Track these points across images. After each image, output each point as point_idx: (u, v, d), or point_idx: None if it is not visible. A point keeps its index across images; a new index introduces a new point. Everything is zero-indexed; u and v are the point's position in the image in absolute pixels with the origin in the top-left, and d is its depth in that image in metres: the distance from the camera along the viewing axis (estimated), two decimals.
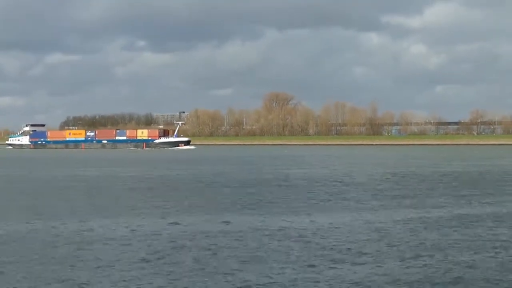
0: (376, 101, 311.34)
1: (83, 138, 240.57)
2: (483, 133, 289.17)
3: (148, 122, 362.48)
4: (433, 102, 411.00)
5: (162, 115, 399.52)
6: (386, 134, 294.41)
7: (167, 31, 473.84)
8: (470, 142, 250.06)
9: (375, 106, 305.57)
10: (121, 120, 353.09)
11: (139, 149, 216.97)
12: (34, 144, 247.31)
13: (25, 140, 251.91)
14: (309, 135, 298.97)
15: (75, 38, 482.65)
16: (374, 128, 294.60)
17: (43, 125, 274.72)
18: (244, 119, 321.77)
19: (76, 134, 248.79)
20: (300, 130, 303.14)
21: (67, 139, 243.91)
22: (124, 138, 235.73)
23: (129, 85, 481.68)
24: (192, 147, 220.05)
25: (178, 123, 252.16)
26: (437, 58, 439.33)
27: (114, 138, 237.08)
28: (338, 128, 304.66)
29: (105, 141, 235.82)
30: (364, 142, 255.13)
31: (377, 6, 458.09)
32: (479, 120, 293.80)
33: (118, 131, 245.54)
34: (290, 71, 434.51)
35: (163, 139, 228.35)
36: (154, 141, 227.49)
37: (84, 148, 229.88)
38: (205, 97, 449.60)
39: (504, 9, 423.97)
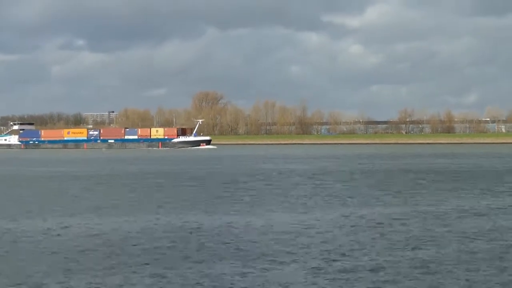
0: (306, 101, 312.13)
1: (85, 138, 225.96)
2: (412, 132, 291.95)
3: (77, 121, 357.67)
4: (367, 102, 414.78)
5: (91, 114, 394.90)
6: (316, 133, 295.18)
7: (107, 30, 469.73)
8: (399, 141, 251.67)
9: (305, 105, 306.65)
10: (49, 120, 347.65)
11: (154, 148, 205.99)
12: (25, 144, 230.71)
13: (14, 139, 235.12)
14: (239, 134, 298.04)
15: (11, 37, 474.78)
16: (304, 127, 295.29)
17: (32, 124, 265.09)
18: (174, 119, 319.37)
19: (76, 133, 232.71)
20: (230, 129, 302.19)
21: (66, 138, 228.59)
22: (135, 137, 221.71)
23: (64, 84, 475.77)
24: (214, 146, 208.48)
25: (198, 121, 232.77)
26: (374, 58, 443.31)
27: (122, 137, 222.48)
28: (268, 127, 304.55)
29: (112, 141, 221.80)
30: (294, 141, 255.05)
31: (319, 5, 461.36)
32: (407, 119, 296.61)
33: (127, 129, 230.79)
34: (227, 70, 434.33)
35: (182, 138, 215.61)
36: (172, 141, 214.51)
37: (86, 148, 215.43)
38: (140, 96, 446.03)
39: (441, 8, 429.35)
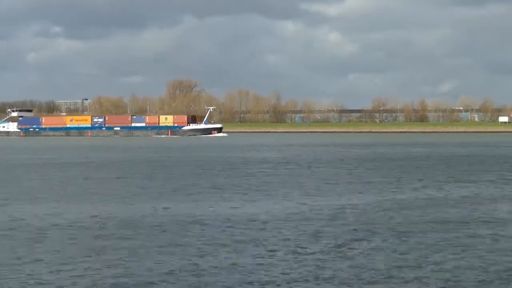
0: (279, 89, 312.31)
1: (89, 125, 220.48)
2: (385, 121, 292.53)
3: (50, 109, 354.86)
4: (342, 91, 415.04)
5: (64, 102, 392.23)
6: (290, 121, 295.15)
7: (84, 18, 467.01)
8: (373, 130, 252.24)
9: (278, 94, 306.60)
10: (22, 107, 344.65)
11: (163, 136, 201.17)
12: (25, 132, 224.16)
13: (12, 127, 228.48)
14: (213, 122, 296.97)
15: None
16: (278, 115, 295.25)
17: (30, 111, 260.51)
18: (148, 107, 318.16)
19: (79, 121, 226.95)
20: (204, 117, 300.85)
21: (68, 125, 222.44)
22: (143, 124, 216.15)
23: (39, 71, 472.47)
24: (225, 134, 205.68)
25: (209, 108, 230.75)
26: (351, 46, 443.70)
27: (129, 125, 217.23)
28: (242, 115, 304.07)
29: (118, 128, 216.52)
30: (268, 130, 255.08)
31: None
32: (381, 108, 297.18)
33: (134, 117, 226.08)
34: (203, 58, 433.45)
35: (193, 126, 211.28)
36: (183, 128, 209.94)
37: (90, 136, 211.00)
38: (115, 84, 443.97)
39: None
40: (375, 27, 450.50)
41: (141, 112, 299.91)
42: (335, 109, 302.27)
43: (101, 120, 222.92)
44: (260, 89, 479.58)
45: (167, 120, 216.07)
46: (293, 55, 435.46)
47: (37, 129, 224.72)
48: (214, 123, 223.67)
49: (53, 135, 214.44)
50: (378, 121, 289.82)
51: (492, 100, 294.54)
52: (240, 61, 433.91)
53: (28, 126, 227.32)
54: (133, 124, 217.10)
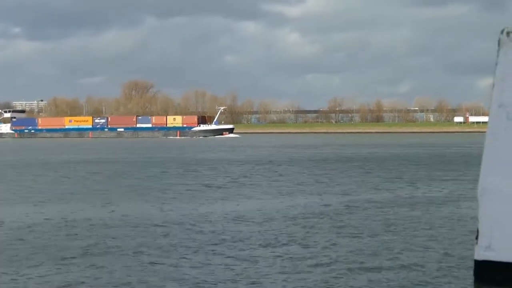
0: (236, 90, 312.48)
1: (90, 126, 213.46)
2: (341, 121, 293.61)
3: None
4: (300, 91, 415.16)
5: (20, 103, 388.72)
6: (246, 122, 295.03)
7: (45, 19, 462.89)
8: (329, 130, 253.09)
9: (235, 94, 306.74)
10: None
11: (171, 137, 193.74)
12: (20, 133, 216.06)
13: (5, 128, 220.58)
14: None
15: None
16: (234, 116, 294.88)
17: (23, 111, 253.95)
18: (104, 108, 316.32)
19: (79, 121, 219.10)
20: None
21: (67, 127, 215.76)
22: (149, 125, 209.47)
23: None
24: (237, 135, 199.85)
25: (220, 109, 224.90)
26: (310, 47, 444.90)
27: (134, 126, 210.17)
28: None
29: (121, 129, 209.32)
30: None
31: None
32: (337, 109, 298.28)
33: (139, 117, 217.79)
34: (163, 59, 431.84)
35: (203, 127, 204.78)
36: (193, 129, 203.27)
37: (92, 137, 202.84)
38: (74, 85, 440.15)
39: None
40: (335, 28, 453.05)
41: (96, 113, 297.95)
42: (291, 110, 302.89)
43: (103, 121, 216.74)
44: (218, 89, 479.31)
45: (175, 120, 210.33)
46: (253, 56, 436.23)
47: (32, 131, 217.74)
48: (224, 123, 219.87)
49: (51, 137, 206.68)
50: (334, 122, 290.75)
51: (447, 101, 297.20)
52: (199, 62, 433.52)
53: (23, 128, 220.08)
54: (138, 125, 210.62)
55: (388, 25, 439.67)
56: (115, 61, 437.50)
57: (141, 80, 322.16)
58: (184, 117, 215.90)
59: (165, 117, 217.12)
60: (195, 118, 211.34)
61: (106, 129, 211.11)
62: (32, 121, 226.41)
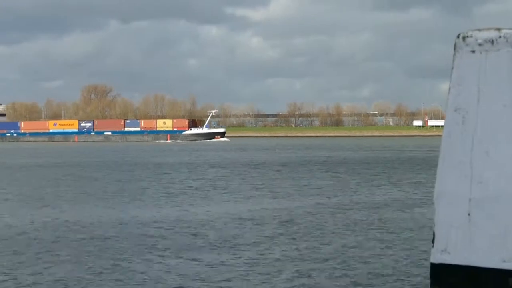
0: (195, 94, 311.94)
1: (76, 130, 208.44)
2: (301, 125, 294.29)
3: None
4: (261, 95, 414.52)
5: None
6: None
7: (7, 23, 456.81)
8: (288, 134, 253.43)
9: (194, 98, 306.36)
10: None
11: (162, 141, 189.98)
12: (1, 137, 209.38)
13: None
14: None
15: None
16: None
17: (4, 115, 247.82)
18: (63, 112, 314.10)
19: (64, 125, 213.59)
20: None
21: (52, 130, 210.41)
22: (137, 129, 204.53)
23: None
24: (228, 139, 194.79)
25: (211, 112, 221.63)
26: (273, 51, 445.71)
27: (122, 129, 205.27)
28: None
29: (109, 133, 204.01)
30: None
31: None
32: (297, 113, 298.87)
33: (128, 121, 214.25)
34: (125, 63, 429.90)
35: (194, 130, 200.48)
36: (184, 133, 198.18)
37: (77, 141, 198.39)
38: (34, 89, 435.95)
39: (344, 3, 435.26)
40: (297, 32, 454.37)
41: (55, 117, 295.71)
42: (251, 114, 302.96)
43: (89, 124, 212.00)
44: (179, 93, 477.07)
45: (165, 124, 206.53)
46: (214, 59, 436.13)
47: (15, 135, 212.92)
48: (215, 127, 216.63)
49: (34, 141, 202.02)
50: (293, 126, 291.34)
51: (406, 105, 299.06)
52: (160, 66, 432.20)
53: (5, 131, 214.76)
54: (126, 129, 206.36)
55: (350, 30, 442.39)
56: (76, 65, 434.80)
57: (101, 84, 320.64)
58: (175, 120, 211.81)
59: (154, 121, 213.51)
60: (186, 122, 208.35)
61: (93, 133, 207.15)
62: (14, 125, 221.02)
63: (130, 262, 18.61)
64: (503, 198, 2.73)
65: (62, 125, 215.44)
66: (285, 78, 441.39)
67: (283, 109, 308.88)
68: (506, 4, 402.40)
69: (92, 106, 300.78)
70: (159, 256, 19.43)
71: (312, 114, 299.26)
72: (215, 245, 21.05)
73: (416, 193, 37.08)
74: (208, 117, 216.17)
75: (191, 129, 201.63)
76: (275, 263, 18.45)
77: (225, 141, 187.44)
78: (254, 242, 21.70)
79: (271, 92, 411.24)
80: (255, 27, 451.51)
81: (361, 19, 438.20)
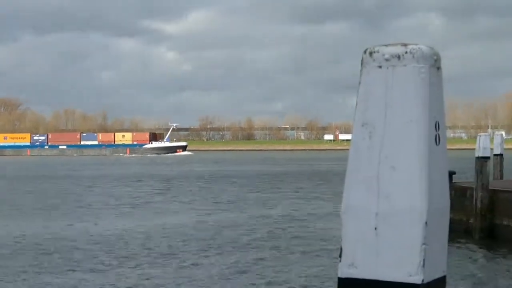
0: (106, 108, 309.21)
1: (28, 143, 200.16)
2: (213, 139, 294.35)
3: None
4: (174, 109, 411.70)
5: None
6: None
7: None
8: (200, 148, 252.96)
9: (105, 113, 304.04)
10: None
11: (121, 155, 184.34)
12: None
13: None
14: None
15: None
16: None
17: None
18: None
19: (15, 139, 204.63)
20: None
21: (2, 144, 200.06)
22: (95, 142, 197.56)
23: None
24: (191, 153, 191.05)
25: (172, 125, 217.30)
26: (187, 65, 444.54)
27: (78, 143, 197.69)
28: None
29: (64, 147, 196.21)
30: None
31: (138, 11, 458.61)
32: (208, 126, 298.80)
33: (84, 134, 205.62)
34: (36, 76, 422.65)
35: (156, 144, 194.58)
36: (144, 146, 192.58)
37: (30, 155, 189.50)
38: None
39: (259, 16, 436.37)
40: (212, 45, 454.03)
41: None
42: (162, 128, 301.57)
43: (42, 138, 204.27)
44: (91, 108, 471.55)
45: (124, 137, 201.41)
46: (128, 73, 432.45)
47: None
48: (176, 140, 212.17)
49: None
50: (205, 139, 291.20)
51: (317, 119, 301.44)
52: (72, 79, 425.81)
53: None
54: (82, 142, 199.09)
55: (265, 43, 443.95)
56: None
57: (10, 97, 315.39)
58: (135, 134, 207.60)
59: (113, 134, 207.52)
60: (147, 135, 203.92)
61: (47, 147, 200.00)
62: None
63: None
64: (409, 212, 2.79)
65: (13, 138, 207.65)
66: (198, 91, 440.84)
67: (195, 123, 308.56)
68: (419, 19, 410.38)
69: (2, 120, 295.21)
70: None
71: (223, 128, 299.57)
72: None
73: (323, 206, 37.35)
74: (169, 131, 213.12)
75: (151, 143, 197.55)
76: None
77: (187, 154, 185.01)
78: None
79: (184, 105, 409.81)
80: (170, 40, 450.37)
81: (275, 32, 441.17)
